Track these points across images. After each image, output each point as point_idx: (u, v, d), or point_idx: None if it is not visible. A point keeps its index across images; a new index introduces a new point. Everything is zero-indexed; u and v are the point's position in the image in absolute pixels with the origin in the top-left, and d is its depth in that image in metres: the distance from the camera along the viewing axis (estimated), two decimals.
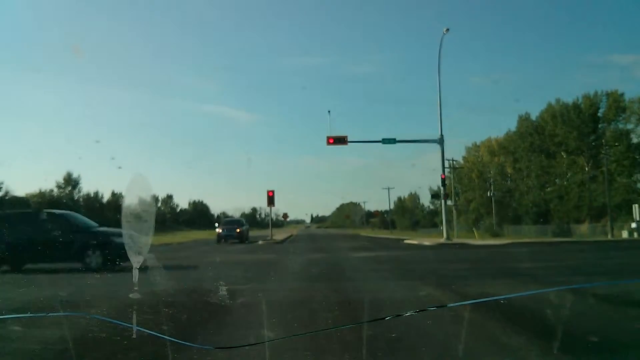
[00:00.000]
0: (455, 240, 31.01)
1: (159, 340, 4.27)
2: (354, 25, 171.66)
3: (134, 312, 5.50)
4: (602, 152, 47.04)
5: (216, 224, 34.95)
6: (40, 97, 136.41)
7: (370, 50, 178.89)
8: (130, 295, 6.66)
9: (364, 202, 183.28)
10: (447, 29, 29.14)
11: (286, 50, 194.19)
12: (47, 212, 15.24)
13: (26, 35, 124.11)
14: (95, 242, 13.25)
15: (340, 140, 30.40)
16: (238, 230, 32.27)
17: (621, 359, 4.41)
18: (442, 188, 30.07)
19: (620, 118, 54.29)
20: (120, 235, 13.38)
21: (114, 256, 12.43)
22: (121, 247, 12.31)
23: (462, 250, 22.02)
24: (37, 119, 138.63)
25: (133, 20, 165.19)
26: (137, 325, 4.54)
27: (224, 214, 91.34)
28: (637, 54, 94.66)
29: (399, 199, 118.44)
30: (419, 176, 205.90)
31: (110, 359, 4.41)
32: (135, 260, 4.74)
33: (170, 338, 4.12)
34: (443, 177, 29.99)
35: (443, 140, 29.81)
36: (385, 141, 29.98)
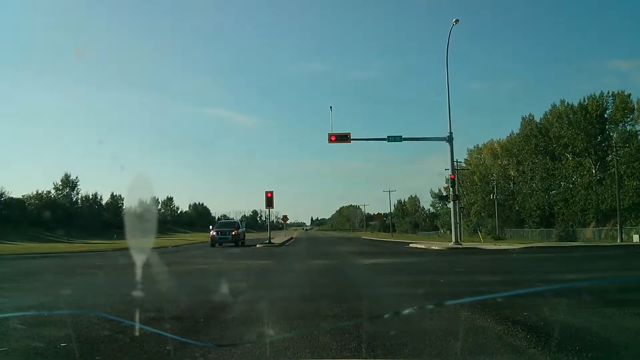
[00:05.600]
0: (464, 244, 29.24)
1: (161, 337, 4.37)
2: (357, 31, 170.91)
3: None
4: (611, 153, 45.71)
5: (210, 227, 33.07)
6: (42, 98, 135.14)
7: (371, 55, 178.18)
8: None
9: (364, 205, 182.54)
10: (457, 20, 27.51)
11: (289, 55, 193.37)
12: None
13: (28, 37, 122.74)
14: None
15: (342, 138, 28.65)
16: (233, 233, 30.40)
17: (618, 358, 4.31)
18: (451, 189, 28.26)
19: (629, 119, 53.06)
20: None
21: None
22: None
23: (478, 256, 20.19)
24: (38, 121, 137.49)
25: (136, 23, 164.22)
26: (140, 323, 4.76)
27: (224, 216, 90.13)
28: (636, 60, 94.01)
29: (399, 201, 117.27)
30: (419, 179, 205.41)
31: (113, 356, 4.30)
32: None
33: (172, 336, 4.29)
34: (453, 177, 28.22)
35: (452, 138, 28.02)
36: (391, 139, 28.21)
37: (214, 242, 29.88)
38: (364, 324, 5.22)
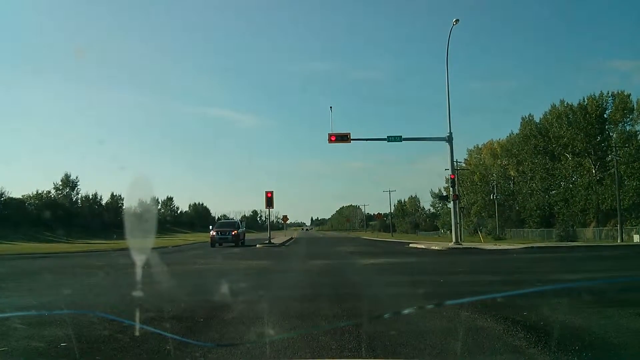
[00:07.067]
0: (465, 244, 29.24)
1: (162, 337, 4.38)
2: (357, 32, 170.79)
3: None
4: (611, 153, 45.72)
5: (210, 227, 33.06)
6: (42, 98, 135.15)
7: (371, 55, 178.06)
8: None
9: (364, 205, 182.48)
10: (457, 20, 27.48)
11: (289, 55, 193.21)
12: None
13: (28, 36, 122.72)
14: None
15: (342, 138, 28.63)
16: (233, 233, 30.40)
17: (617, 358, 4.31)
18: (451, 189, 28.27)
19: (628, 119, 53.07)
20: None
21: None
22: None
23: (478, 256, 20.19)
24: (38, 121, 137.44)
25: (136, 23, 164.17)
26: (140, 323, 4.78)
27: (224, 216, 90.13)
28: (636, 60, 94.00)
29: (399, 201, 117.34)
30: (419, 179, 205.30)
31: (113, 356, 4.27)
32: None
33: (172, 335, 4.29)
34: (453, 177, 28.24)
35: (452, 139, 28.01)
36: (391, 139, 28.20)
37: (213, 242, 29.87)
38: (364, 324, 5.22)
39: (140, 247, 9.73)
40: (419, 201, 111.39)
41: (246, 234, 36.34)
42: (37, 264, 17.74)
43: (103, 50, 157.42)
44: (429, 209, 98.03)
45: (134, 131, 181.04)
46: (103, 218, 69.56)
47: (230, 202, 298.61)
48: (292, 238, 50.66)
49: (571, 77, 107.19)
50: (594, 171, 52.61)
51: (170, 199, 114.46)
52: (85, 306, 7.17)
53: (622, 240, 37.08)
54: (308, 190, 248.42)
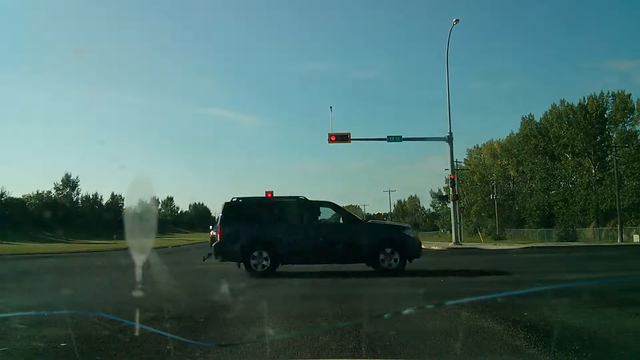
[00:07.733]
0: (465, 244, 29.25)
1: (161, 337, 4.38)
2: (357, 31, 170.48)
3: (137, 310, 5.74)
4: (611, 153, 45.76)
5: (210, 227, 33.05)
6: (42, 98, 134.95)
7: (372, 55, 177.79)
8: None
9: (364, 205, 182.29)
10: (457, 20, 27.50)
11: (289, 55, 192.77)
12: (316, 202, 12.29)
13: (28, 37, 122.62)
14: (390, 238, 11.36)
15: (342, 138, 28.60)
16: None
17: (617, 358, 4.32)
18: (451, 189, 28.26)
19: (628, 119, 53.07)
20: (410, 229, 12.23)
21: (410, 255, 11.52)
22: (415, 243, 11.42)
23: (478, 256, 20.19)
24: (38, 120, 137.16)
25: (137, 23, 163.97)
26: (140, 323, 4.72)
27: None
28: (636, 60, 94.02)
29: (399, 201, 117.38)
30: (419, 179, 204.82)
31: (113, 356, 4.32)
32: None
33: (172, 335, 4.31)
34: (452, 177, 28.23)
35: (452, 138, 28.00)
36: (391, 139, 28.19)
37: (214, 242, 29.79)
38: (364, 324, 5.22)
39: (140, 247, 9.72)
40: (419, 201, 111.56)
41: None
42: (37, 264, 17.77)
43: (103, 50, 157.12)
44: (429, 209, 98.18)
45: (134, 131, 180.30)
46: (103, 218, 69.61)
47: None
48: None
49: (571, 77, 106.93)
50: (593, 171, 52.63)
51: (170, 199, 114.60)
52: (85, 306, 7.18)
53: (622, 240, 37.09)
54: (308, 190, 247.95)
